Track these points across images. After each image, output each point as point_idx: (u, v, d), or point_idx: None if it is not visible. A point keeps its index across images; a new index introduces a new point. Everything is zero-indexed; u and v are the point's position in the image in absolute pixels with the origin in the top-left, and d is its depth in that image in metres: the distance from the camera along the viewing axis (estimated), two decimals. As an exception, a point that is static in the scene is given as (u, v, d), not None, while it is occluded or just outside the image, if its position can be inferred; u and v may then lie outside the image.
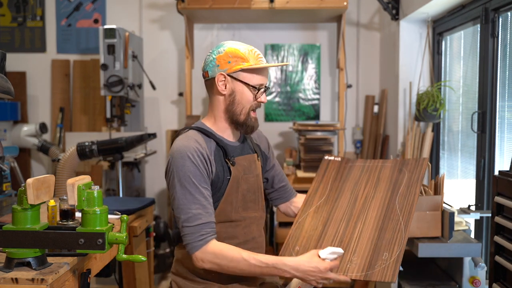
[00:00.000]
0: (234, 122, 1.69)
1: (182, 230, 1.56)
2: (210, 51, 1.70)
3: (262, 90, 1.68)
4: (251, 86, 1.65)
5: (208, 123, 1.72)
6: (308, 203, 1.88)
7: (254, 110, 1.70)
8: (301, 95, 4.47)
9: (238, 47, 1.65)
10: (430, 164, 2.48)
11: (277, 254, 1.70)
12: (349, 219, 1.76)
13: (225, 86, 1.65)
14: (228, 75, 1.64)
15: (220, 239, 1.66)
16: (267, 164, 1.89)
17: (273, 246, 3.77)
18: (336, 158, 2.01)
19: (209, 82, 1.69)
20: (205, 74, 1.69)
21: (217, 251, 1.54)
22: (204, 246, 1.54)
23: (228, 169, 1.67)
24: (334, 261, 1.55)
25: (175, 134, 4.31)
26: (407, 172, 1.86)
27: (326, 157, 2.02)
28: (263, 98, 1.69)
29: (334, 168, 1.98)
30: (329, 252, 1.54)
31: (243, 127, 1.69)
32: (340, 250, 1.57)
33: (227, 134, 1.72)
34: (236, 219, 1.69)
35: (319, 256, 1.54)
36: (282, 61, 4.44)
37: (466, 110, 3.16)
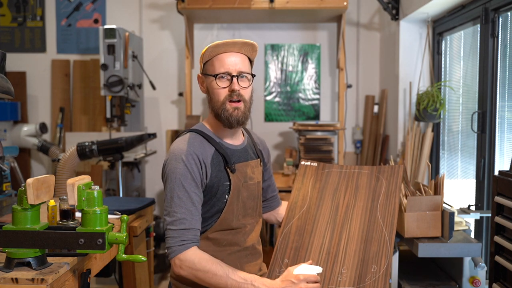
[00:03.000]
0: (216, 117, 1.65)
1: (166, 232, 1.56)
2: None
3: (223, 77, 1.60)
4: (211, 75, 1.62)
5: (208, 125, 1.71)
6: (291, 212, 1.88)
7: (233, 101, 1.61)
8: (301, 95, 4.47)
9: (208, 45, 1.64)
10: (430, 164, 2.48)
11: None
12: (333, 229, 1.77)
13: (204, 85, 1.68)
14: (202, 74, 1.68)
15: (221, 247, 1.65)
16: (265, 174, 1.88)
17: (273, 246, 3.77)
18: (312, 164, 2.01)
19: None
20: None
21: (196, 260, 1.49)
22: (183, 252, 1.51)
23: (227, 176, 1.64)
24: (309, 275, 1.52)
25: (175, 134, 4.32)
26: (385, 180, 1.87)
27: (302, 163, 2.02)
28: (234, 85, 1.59)
29: (312, 174, 1.97)
30: (302, 269, 1.54)
31: (222, 119, 1.63)
32: (317, 269, 1.56)
33: (228, 137, 1.70)
34: (236, 226, 1.67)
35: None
36: (282, 61, 4.44)
37: (466, 110, 3.16)
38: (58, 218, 1.69)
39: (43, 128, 4.12)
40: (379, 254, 1.66)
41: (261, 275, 1.75)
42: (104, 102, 3.76)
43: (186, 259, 1.50)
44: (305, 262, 1.65)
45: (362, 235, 1.72)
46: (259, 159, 1.79)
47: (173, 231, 1.53)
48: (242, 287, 1.47)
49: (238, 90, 1.60)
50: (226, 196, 1.64)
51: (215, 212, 1.64)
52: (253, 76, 1.67)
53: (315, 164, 2.00)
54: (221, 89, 1.61)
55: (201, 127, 1.70)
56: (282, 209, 1.97)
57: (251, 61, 1.69)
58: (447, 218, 2.11)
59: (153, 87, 4.02)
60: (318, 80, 4.46)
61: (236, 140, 1.73)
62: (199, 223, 1.57)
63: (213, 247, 1.64)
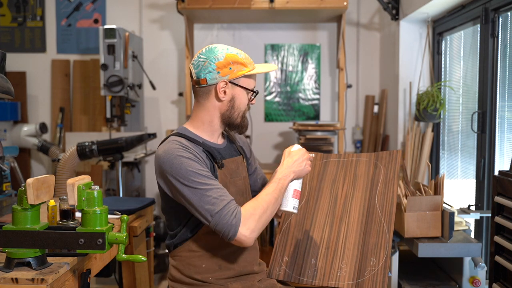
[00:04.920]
0: (229, 124, 1.69)
1: (213, 221, 1.49)
2: (203, 56, 1.65)
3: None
4: (249, 90, 1.68)
5: (191, 128, 1.70)
6: None
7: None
8: (301, 95, 4.47)
9: (234, 52, 1.64)
10: (430, 164, 2.48)
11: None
12: (332, 221, 1.76)
13: (225, 92, 1.64)
14: (230, 81, 1.63)
15: (215, 242, 1.64)
16: (249, 168, 1.88)
17: (273, 246, 3.77)
18: (310, 155, 2.01)
19: (206, 89, 1.65)
20: (201, 81, 1.64)
21: (252, 211, 1.51)
22: (241, 220, 1.49)
23: (215, 175, 1.64)
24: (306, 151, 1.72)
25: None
26: (383, 167, 1.86)
27: None
28: (254, 101, 1.74)
29: (310, 165, 1.97)
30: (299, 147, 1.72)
31: (238, 128, 1.71)
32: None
33: (213, 137, 1.71)
34: None
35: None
36: (282, 61, 4.45)
37: (466, 110, 3.16)
38: (58, 218, 1.69)
39: (43, 128, 4.12)
40: (377, 246, 1.65)
41: (260, 270, 1.76)
42: (104, 102, 3.76)
43: (247, 221, 1.50)
44: (304, 258, 1.64)
45: (361, 227, 1.71)
46: (241, 155, 1.81)
47: (218, 214, 1.49)
48: (278, 190, 1.58)
49: None
50: None
51: None
52: None
53: (312, 155, 2.00)
54: (249, 103, 1.71)
55: (183, 130, 1.69)
56: None
57: None
58: (447, 218, 2.11)
59: (153, 87, 4.02)
60: (318, 80, 4.46)
61: (220, 139, 1.75)
62: (228, 193, 1.57)
63: (206, 245, 1.65)
